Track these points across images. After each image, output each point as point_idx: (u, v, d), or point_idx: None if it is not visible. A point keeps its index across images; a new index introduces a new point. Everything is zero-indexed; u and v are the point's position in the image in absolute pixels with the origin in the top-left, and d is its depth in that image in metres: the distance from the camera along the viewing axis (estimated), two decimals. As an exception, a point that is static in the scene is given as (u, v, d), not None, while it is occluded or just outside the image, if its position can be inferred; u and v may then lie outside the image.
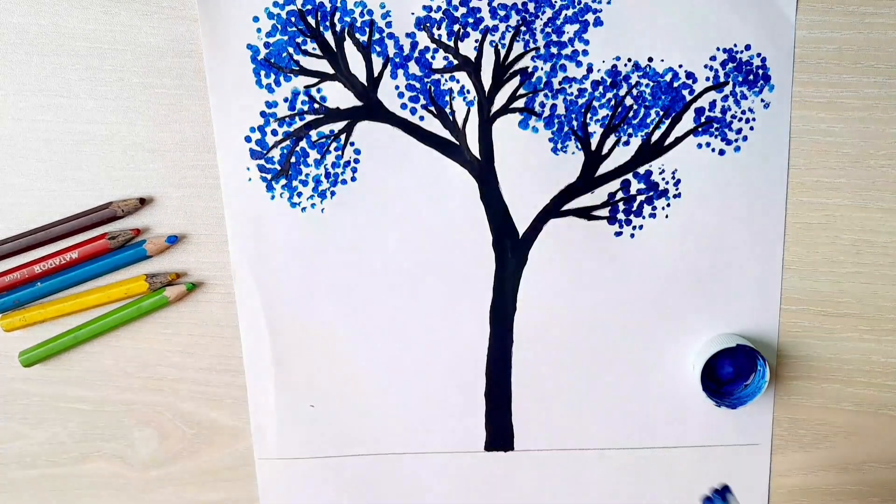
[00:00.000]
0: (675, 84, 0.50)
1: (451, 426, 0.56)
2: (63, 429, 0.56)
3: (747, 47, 0.50)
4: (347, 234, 0.52)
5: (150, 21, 0.49)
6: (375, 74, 0.50)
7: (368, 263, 0.53)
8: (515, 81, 0.50)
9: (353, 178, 0.52)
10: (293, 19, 0.49)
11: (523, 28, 0.49)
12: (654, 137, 0.51)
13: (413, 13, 0.49)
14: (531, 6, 0.49)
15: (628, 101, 0.51)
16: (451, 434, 0.56)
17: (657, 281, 0.53)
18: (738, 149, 0.51)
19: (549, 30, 0.49)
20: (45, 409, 0.55)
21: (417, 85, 0.50)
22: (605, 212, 0.52)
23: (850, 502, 0.58)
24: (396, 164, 0.51)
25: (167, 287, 0.53)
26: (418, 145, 0.51)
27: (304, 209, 0.52)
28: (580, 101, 0.50)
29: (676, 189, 0.52)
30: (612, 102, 0.51)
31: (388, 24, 0.49)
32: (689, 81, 0.50)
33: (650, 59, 0.50)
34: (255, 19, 0.49)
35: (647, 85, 0.50)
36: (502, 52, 0.50)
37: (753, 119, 0.51)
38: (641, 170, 0.52)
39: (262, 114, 0.50)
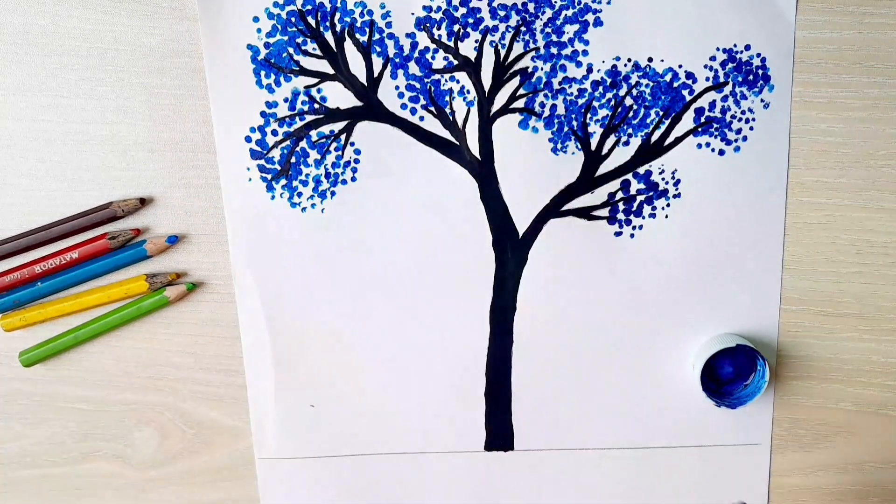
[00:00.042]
0: (675, 84, 0.50)
1: (451, 426, 0.56)
2: (63, 429, 0.56)
3: (747, 47, 0.50)
4: (347, 234, 0.52)
5: (150, 21, 0.49)
6: (375, 74, 0.50)
7: (368, 263, 0.53)
8: (515, 81, 0.50)
9: (353, 178, 0.52)
10: (293, 19, 0.49)
11: (523, 28, 0.49)
12: (654, 137, 0.51)
13: (413, 13, 0.49)
14: (531, 6, 0.49)
15: (628, 101, 0.51)
16: (450, 434, 0.56)
17: (657, 281, 0.53)
18: (737, 149, 0.51)
19: (549, 30, 0.49)
20: (45, 409, 0.55)
21: (417, 85, 0.50)
22: (604, 212, 0.52)
23: (850, 502, 0.58)
24: (396, 165, 0.51)
25: (167, 287, 0.53)
26: (418, 145, 0.51)
27: (304, 209, 0.52)
28: (580, 102, 0.50)
29: (676, 189, 0.52)
30: (612, 102, 0.51)
31: (388, 25, 0.49)
32: (689, 81, 0.50)
33: (650, 60, 0.50)
34: (256, 19, 0.49)
35: (646, 85, 0.50)
36: (502, 53, 0.50)
37: (753, 119, 0.51)
38: (641, 170, 0.52)
39: (263, 114, 0.50)
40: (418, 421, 0.56)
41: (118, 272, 0.53)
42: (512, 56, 0.50)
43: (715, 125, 0.51)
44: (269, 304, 0.53)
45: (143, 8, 0.49)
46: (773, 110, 0.51)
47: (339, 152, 0.51)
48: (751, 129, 0.51)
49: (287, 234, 0.52)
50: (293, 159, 0.51)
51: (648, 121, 0.51)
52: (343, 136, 0.51)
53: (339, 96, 0.50)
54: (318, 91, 0.50)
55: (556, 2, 0.49)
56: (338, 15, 0.49)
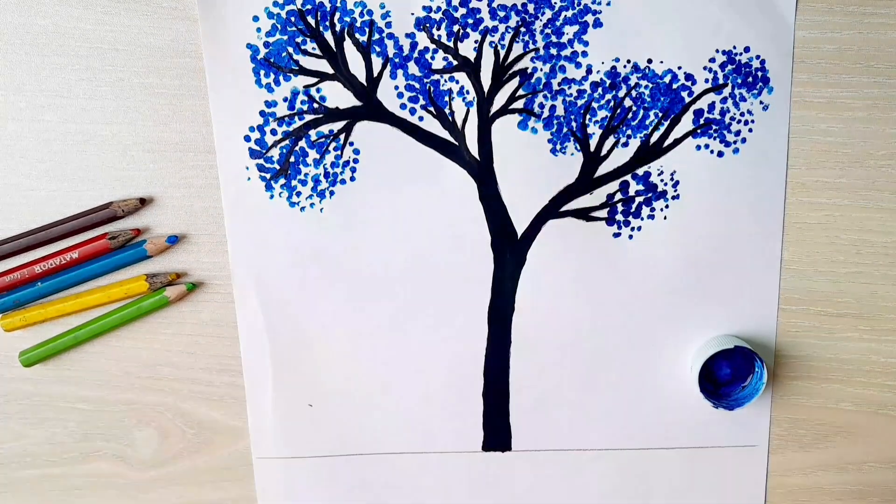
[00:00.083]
0: (674, 86, 0.50)
1: (449, 426, 0.56)
2: (63, 429, 0.56)
3: (746, 49, 0.50)
4: (346, 234, 0.52)
5: (150, 21, 0.49)
6: (375, 74, 0.50)
7: (367, 263, 0.53)
8: (515, 82, 0.50)
9: (353, 178, 0.52)
10: (293, 19, 0.49)
11: (523, 29, 0.49)
12: (653, 139, 0.51)
13: (413, 13, 0.49)
14: (531, 7, 0.49)
15: (627, 102, 0.51)
16: (448, 434, 0.56)
17: (655, 282, 0.53)
18: (736, 151, 0.51)
19: (548, 31, 0.49)
20: (45, 409, 0.55)
21: (417, 85, 0.50)
22: (603, 213, 0.52)
23: (850, 502, 0.58)
24: (395, 165, 0.51)
25: (167, 287, 0.53)
26: (417, 145, 0.51)
27: (303, 209, 0.52)
28: (579, 103, 0.50)
29: (675, 190, 0.52)
30: (612, 104, 0.51)
31: (388, 25, 0.49)
32: (688, 83, 0.50)
33: (649, 61, 0.50)
34: (255, 19, 0.49)
35: (646, 86, 0.50)
36: (502, 53, 0.50)
37: (752, 121, 0.51)
38: (640, 171, 0.52)
39: (262, 113, 0.51)
40: (416, 421, 0.56)
41: (118, 272, 0.53)
42: (511, 57, 0.50)
43: (714, 127, 0.51)
44: (267, 304, 0.53)
45: (143, 8, 0.49)
46: (772, 112, 0.51)
47: (339, 152, 0.51)
48: (749, 130, 0.51)
49: (286, 233, 0.52)
50: (292, 159, 0.51)
51: (647, 122, 0.51)
52: (342, 136, 0.51)
53: (338, 96, 0.50)
54: (318, 91, 0.50)
55: (555, 2, 0.49)
56: (337, 15, 0.49)
